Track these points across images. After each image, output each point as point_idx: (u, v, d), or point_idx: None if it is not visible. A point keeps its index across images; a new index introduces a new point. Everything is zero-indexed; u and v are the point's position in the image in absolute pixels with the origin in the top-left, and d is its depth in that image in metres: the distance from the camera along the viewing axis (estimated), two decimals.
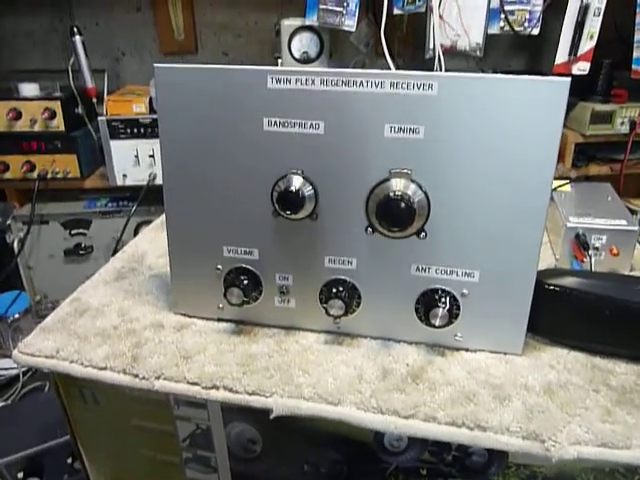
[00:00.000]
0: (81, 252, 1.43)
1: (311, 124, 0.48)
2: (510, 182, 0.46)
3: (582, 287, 0.51)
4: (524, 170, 0.45)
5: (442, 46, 1.19)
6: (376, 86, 0.45)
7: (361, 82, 0.46)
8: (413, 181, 0.47)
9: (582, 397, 0.46)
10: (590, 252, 0.63)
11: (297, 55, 1.37)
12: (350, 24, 1.28)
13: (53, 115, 1.32)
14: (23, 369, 1.24)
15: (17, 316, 1.40)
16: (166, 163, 0.53)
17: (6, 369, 1.28)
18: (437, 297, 0.50)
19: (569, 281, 0.52)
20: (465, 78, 0.44)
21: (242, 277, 0.53)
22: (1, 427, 0.93)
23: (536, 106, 0.43)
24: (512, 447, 0.43)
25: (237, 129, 0.49)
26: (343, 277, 0.52)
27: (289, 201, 0.48)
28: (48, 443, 0.87)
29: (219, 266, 0.55)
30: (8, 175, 1.38)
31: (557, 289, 0.52)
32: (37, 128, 1.33)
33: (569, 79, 0.43)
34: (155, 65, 0.50)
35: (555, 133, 0.44)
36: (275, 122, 0.48)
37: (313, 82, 0.47)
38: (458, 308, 0.50)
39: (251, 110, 0.48)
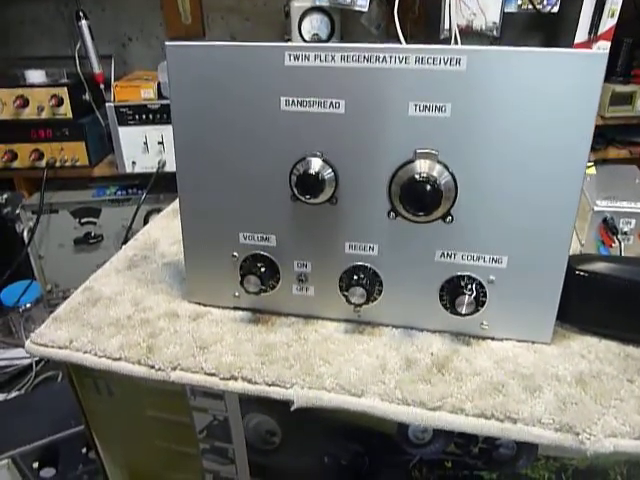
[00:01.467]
0: (91, 241, 1.42)
1: (331, 103, 0.45)
2: (542, 163, 0.44)
3: (614, 272, 0.49)
4: (558, 150, 0.43)
5: (458, 26, 1.15)
6: (400, 62, 0.43)
7: (384, 58, 0.43)
8: (439, 162, 0.45)
9: (616, 388, 0.44)
10: (619, 237, 0.61)
11: (307, 37, 1.34)
12: (362, 4, 1.25)
13: (60, 102, 1.31)
14: (36, 359, 1.24)
15: (29, 305, 1.39)
16: (179, 148, 0.51)
17: (19, 359, 1.27)
18: (463, 284, 0.48)
19: (600, 266, 0.49)
20: (496, 52, 0.42)
21: (259, 264, 0.52)
22: (15, 417, 0.92)
23: (572, 81, 0.41)
24: (545, 440, 0.41)
25: (253, 110, 0.47)
26: (364, 264, 0.50)
27: (308, 185, 0.46)
28: (62, 433, 0.86)
29: (235, 253, 0.53)
30: (16, 164, 1.37)
31: (588, 275, 0.49)
32: (44, 115, 1.32)
33: (607, 51, 0.40)
34: (166, 43, 0.48)
35: (591, 110, 0.42)
36: (293, 101, 0.46)
37: (333, 58, 0.44)
38: (485, 295, 0.48)
39: (268, 89, 0.46)
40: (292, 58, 0.45)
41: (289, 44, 0.45)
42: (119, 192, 1.42)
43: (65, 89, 1.31)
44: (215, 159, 0.50)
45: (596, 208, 0.63)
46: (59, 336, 0.53)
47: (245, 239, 0.52)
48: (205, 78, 0.47)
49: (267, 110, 0.47)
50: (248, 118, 0.48)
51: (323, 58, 0.44)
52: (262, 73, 0.46)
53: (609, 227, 0.62)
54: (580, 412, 0.42)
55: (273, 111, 0.47)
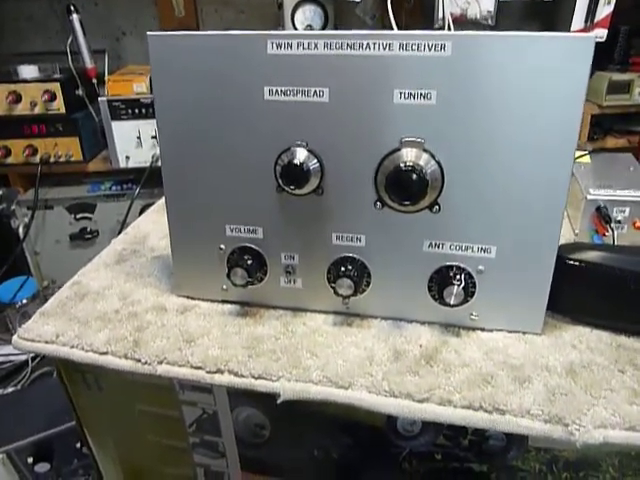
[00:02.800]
0: (87, 236, 1.42)
1: (315, 92, 0.44)
2: (530, 150, 0.43)
3: (606, 261, 0.48)
4: (545, 136, 0.42)
5: (451, 14, 1.14)
6: (384, 48, 0.42)
7: (368, 44, 0.42)
8: (425, 150, 0.44)
9: (607, 378, 0.44)
10: (612, 225, 0.60)
11: (300, 28, 1.33)
12: None
13: (53, 97, 1.30)
14: (32, 355, 1.23)
15: (25, 302, 1.39)
16: (163, 139, 0.50)
17: (15, 355, 1.27)
18: (451, 274, 0.47)
19: (592, 255, 0.49)
20: (481, 36, 0.41)
21: (246, 257, 0.51)
22: (11, 412, 0.92)
23: (560, 65, 0.40)
24: (533, 431, 0.41)
25: (236, 99, 0.46)
26: (352, 255, 0.50)
27: (293, 175, 0.46)
28: (57, 428, 0.86)
29: (222, 246, 0.52)
30: (10, 160, 1.36)
31: (579, 264, 0.49)
32: (37, 111, 1.31)
33: (594, 34, 0.39)
34: (148, 33, 0.47)
35: (579, 95, 0.41)
36: (276, 91, 0.45)
37: (316, 46, 0.43)
38: (474, 286, 0.48)
39: (251, 78, 0.45)
40: (275, 46, 0.44)
41: (271, 32, 0.44)
42: (114, 187, 1.41)
43: (58, 84, 1.30)
44: (199, 151, 0.49)
45: (589, 197, 0.62)
46: (46, 331, 0.52)
47: (232, 231, 0.52)
48: (188, 68, 0.47)
49: (250, 100, 0.46)
50: (231, 108, 0.47)
51: (306, 46, 0.43)
52: (245, 62, 0.45)
53: (602, 216, 0.61)
54: (570, 403, 0.41)
55: (257, 101, 0.46)
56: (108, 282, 0.60)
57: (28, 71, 1.33)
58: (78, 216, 1.41)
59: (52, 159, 1.36)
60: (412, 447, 0.49)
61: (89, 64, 1.39)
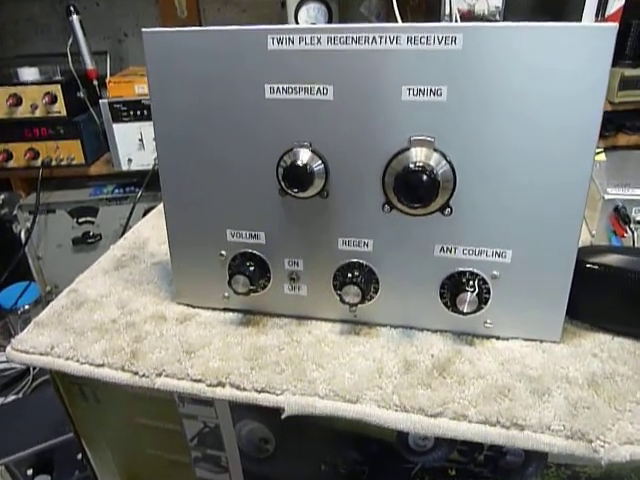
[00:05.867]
0: (89, 240, 1.40)
1: (318, 89, 0.42)
2: (547, 149, 0.40)
3: (627, 265, 0.46)
4: (564, 134, 0.40)
5: (459, 11, 1.11)
6: (391, 42, 0.40)
7: (374, 39, 0.40)
8: (436, 150, 0.41)
9: (632, 389, 0.41)
10: (632, 226, 0.57)
11: None
12: None
13: (54, 100, 1.28)
14: None
15: (27, 307, 1.38)
16: (160, 140, 0.48)
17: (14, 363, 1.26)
18: (464, 280, 0.45)
19: (612, 259, 0.46)
20: (494, 28, 0.38)
21: (248, 263, 0.49)
22: (11, 422, 0.91)
23: (579, 57, 0.37)
24: (554, 448, 0.38)
25: (236, 98, 0.44)
26: (359, 260, 0.47)
27: (296, 177, 0.43)
28: (58, 438, 0.84)
29: (223, 252, 0.50)
30: (12, 163, 1.35)
31: (599, 268, 0.46)
32: (38, 114, 1.29)
33: (616, 24, 0.37)
34: (143, 30, 0.45)
35: (600, 90, 0.38)
36: (278, 89, 0.43)
37: (319, 41, 0.41)
38: (488, 292, 0.45)
39: (251, 76, 0.43)
40: (275, 42, 0.42)
41: (271, 26, 0.41)
42: (116, 190, 1.39)
43: (59, 86, 1.28)
44: (198, 152, 0.47)
45: (607, 196, 0.59)
46: (40, 342, 0.50)
47: (233, 237, 0.49)
48: (184, 66, 0.44)
49: (251, 99, 0.44)
50: (231, 107, 0.45)
51: (309, 41, 0.41)
52: (244, 59, 0.43)
53: (621, 216, 0.58)
54: (593, 417, 0.39)
55: (257, 99, 0.44)
56: (106, 290, 0.58)
57: (28, 73, 1.31)
58: (80, 220, 1.39)
59: (54, 162, 1.34)
60: (424, 463, 0.47)
61: (90, 66, 1.38)
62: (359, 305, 0.47)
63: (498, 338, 0.47)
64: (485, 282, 0.45)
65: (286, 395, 0.43)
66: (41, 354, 0.49)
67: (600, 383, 0.42)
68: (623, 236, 0.58)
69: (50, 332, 0.51)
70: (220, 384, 0.44)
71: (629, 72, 1.20)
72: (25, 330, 0.52)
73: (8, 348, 0.51)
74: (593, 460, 0.38)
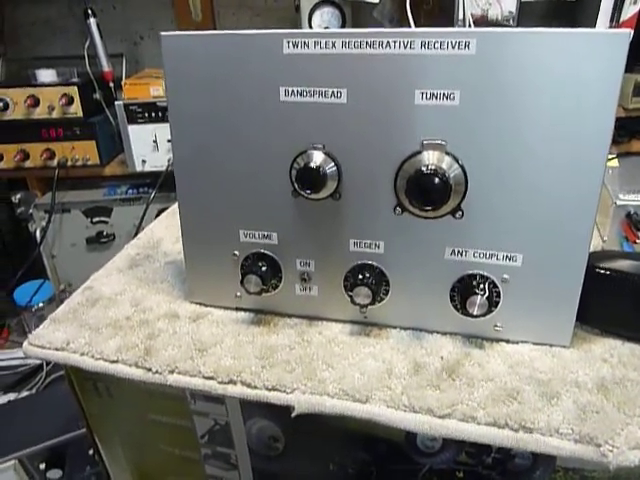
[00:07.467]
0: (103, 240, 1.42)
1: (332, 92, 0.43)
2: (560, 152, 0.41)
3: (638, 271, 0.46)
4: (577, 137, 0.40)
5: (472, 15, 1.11)
6: (405, 47, 0.40)
7: (388, 43, 0.41)
8: (448, 153, 0.42)
9: None
10: None
11: None
12: None
13: (71, 101, 1.30)
14: None
15: (41, 305, 1.40)
16: (176, 141, 0.49)
17: (30, 358, 1.27)
18: (475, 283, 0.45)
19: (623, 264, 0.46)
20: (507, 33, 0.39)
21: (260, 263, 0.49)
22: (24, 417, 0.92)
23: (592, 64, 0.38)
24: (563, 451, 0.38)
25: (251, 101, 0.45)
26: (370, 262, 0.48)
27: (309, 179, 0.44)
28: (70, 434, 0.85)
29: (236, 252, 0.51)
30: (28, 163, 1.37)
31: (610, 273, 0.46)
32: (55, 115, 1.31)
33: (630, 30, 0.37)
34: (161, 33, 0.46)
35: (613, 96, 0.39)
36: (293, 91, 0.44)
37: (334, 45, 0.42)
38: (498, 295, 0.45)
39: (266, 79, 0.44)
40: (291, 45, 0.42)
41: (287, 30, 0.42)
42: (130, 191, 1.41)
43: (75, 88, 1.30)
44: (213, 154, 0.48)
45: (619, 202, 0.59)
46: (56, 337, 0.51)
47: (246, 237, 0.50)
48: (201, 68, 0.45)
49: (266, 101, 0.45)
50: (246, 110, 0.45)
51: (323, 45, 0.42)
52: (260, 62, 0.44)
53: (633, 222, 0.58)
54: (602, 422, 0.39)
55: (272, 102, 0.44)
56: (120, 288, 0.59)
57: (46, 75, 1.33)
58: (94, 220, 1.41)
59: (69, 163, 1.36)
60: (432, 464, 0.47)
61: (106, 68, 1.40)
62: (369, 306, 0.47)
63: (508, 341, 0.48)
64: (495, 285, 0.45)
65: (296, 394, 0.43)
66: (57, 349, 0.50)
67: (610, 388, 0.42)
68: (635, 242, 0.58)
69: (66, 328, 0.52)
70: (231, 382, 0.45)
71: None
72: (41, 326, 0.54)
73: (25, 343, 0.52)
74: (601, 464, 0.38)
